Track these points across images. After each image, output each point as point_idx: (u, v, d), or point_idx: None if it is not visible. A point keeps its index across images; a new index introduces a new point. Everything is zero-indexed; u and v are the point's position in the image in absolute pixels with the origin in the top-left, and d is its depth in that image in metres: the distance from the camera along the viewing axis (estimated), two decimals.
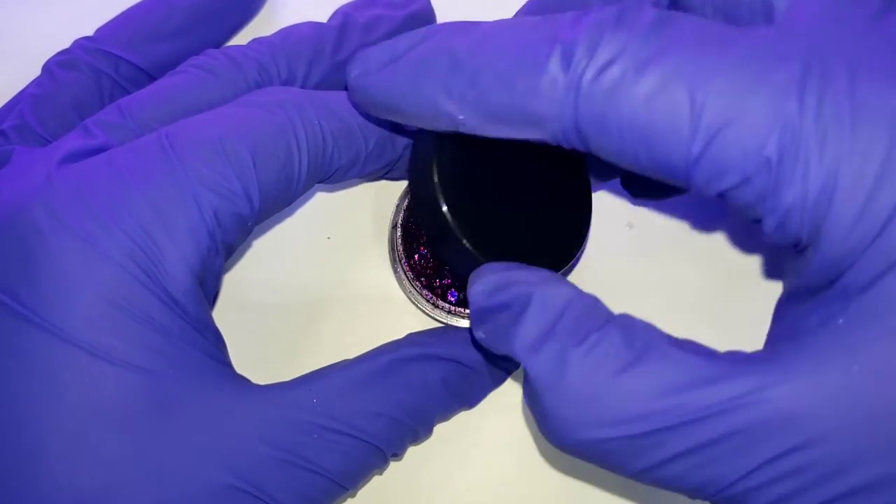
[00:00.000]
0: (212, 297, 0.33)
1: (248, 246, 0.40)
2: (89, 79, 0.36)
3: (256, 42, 0.36)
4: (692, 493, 0.26)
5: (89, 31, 0.38)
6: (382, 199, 0.41)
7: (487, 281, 0.29)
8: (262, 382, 0.32)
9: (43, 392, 0.28)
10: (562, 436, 0.27)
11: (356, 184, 0.41)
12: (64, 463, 0.28)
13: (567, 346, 0.26)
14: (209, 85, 0.34)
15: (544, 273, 0.30)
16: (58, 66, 0.36)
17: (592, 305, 0.28)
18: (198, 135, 0.30)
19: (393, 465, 0.36)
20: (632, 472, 0.26)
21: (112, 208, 0.28)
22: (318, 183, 0.34)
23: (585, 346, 0.26)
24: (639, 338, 0.26)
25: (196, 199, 0.29)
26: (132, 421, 0.28)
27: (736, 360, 0.26)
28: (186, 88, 0.33)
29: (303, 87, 0.35)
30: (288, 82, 0.35)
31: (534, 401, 0.27)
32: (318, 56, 0.36)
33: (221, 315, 0.39)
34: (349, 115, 0.33)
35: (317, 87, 0.36)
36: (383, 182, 0.41)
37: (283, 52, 0.35)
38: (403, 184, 0.39)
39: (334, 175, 0.34)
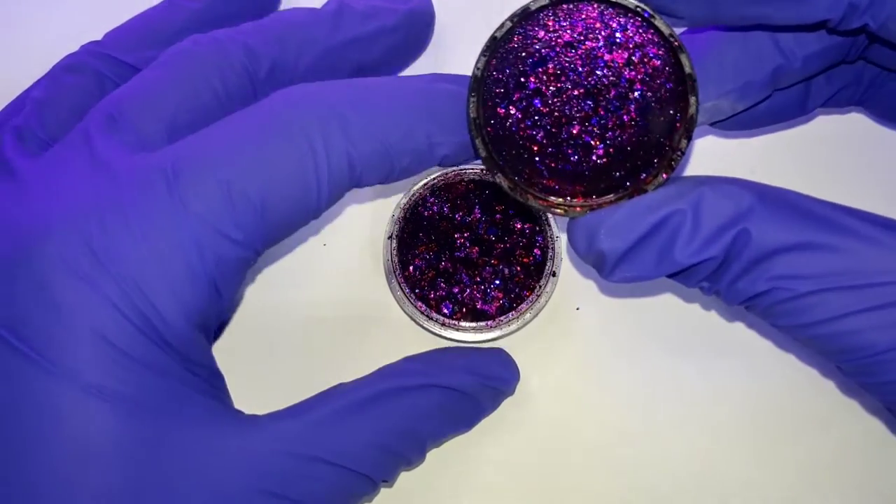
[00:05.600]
0: (213, 333, 0.32)
1: None
2: (93, 83, 0.35)
3: (245, 24, 0.34)
4: (842, 354, 0.29)
5: (98, 33, 0.37)
6: (378, 208, 0.40)
7: (616, 221, 0.29)
8: (253, 392, 0.32)
9: (35, 427, 0.27)
10: (745, 292, 0.29)
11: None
12: (53, 499, 0.27)
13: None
14: (194, 75, 0.32)
15: (669, 187, 0.30)
16: (64, 69, 0.35)
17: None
18: (205, 171, 0.28)
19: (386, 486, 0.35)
20: (795, 325, 0.29)
21: (113, 250, 0.28)
22: None
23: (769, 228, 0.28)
24: (806, 203, 0.29)
25: (198, 246, 0.28)
26: (122, 458, 0.28)
27: None
28: (172, 82, 0.32)
29: (293, 71, 0.34)
30: (277, 66, 0.34)
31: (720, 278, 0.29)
32: (311, 40, 0.34)
33: None
34: (384, 133, 0.30)
35: (307, 72, 0.34)
36: (379, 191, 0.40)
37: (273, 35, 0.34)
38: (399, 195, 0.38)
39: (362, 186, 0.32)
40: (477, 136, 0.30)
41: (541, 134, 0.30)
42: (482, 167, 0.38)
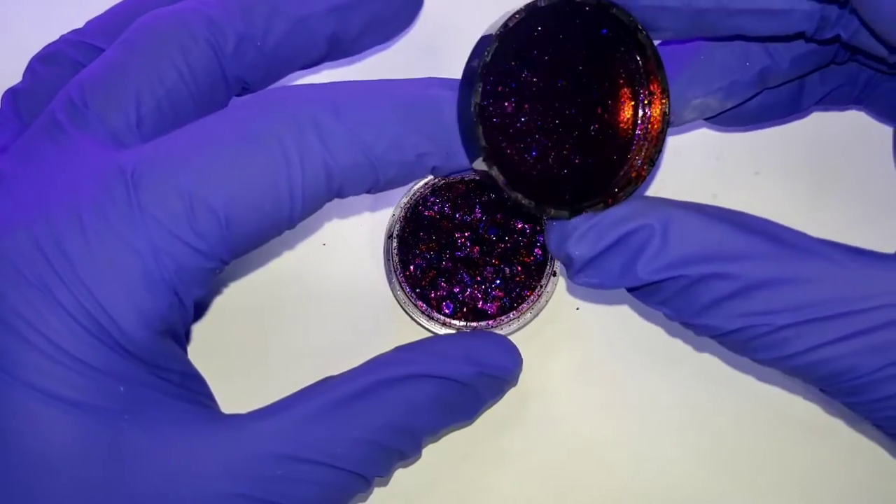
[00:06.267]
0: (184, 336, 0.31)
1: None
2: (69, 72, 0.33)
3: None
4: (825, 380, 0.29)
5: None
6: (379, 208, 0.40)
7: (586, 229, 0.30)
8: (251, 392, 0.32)
9: None
10: (713, 328, 0.29)
11: None
12: None
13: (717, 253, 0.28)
14: (157, 54, 0.30)
15: (639, 203, 0.30)
16: (39, 61, 0.35)
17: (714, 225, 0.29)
18: (166, 179, 0.27)
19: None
20: (770, 359, 0.29)
21: (65, 255, 0.27)
22: None
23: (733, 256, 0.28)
24: (778, 235, 0.29)
25: (154, 254, 0.27)
26: (87, 468, 0.27)
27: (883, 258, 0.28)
28: (134, 63, 0.30)
29: (262, 46, 0.32)
30: (244, 39, 0.31)
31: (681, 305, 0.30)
32: (279, 11, 0.32)
33: (212, 321, 0.39)
34: (367, 144, 0.28)
35: (277, 45, 0.32)
36: None
37: (236, 5, 0.32)
38: (400, 193, 0.38)
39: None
40: (478, 125, 0.28)
41: (530, 134, 0.30)
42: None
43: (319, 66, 0.36)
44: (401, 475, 0.37)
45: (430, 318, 0.37)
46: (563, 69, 0.30)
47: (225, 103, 0.33)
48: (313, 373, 0.33)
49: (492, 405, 0.36)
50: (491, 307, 0.38)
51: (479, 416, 0.35)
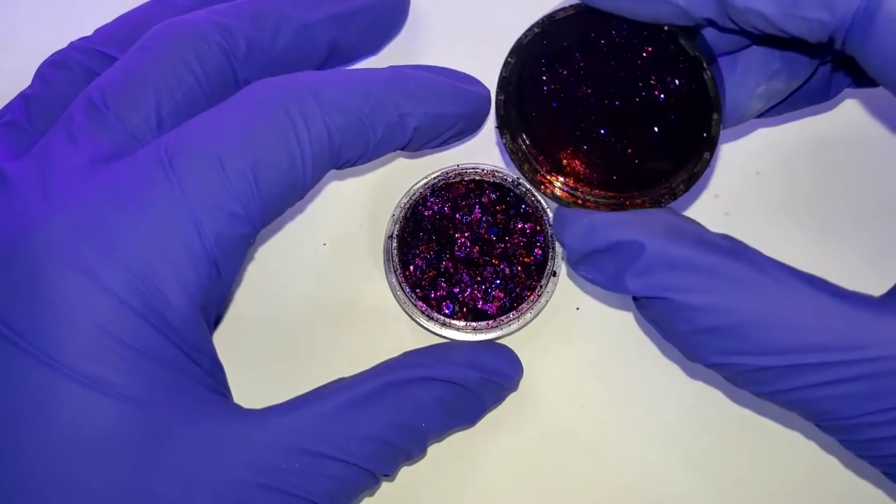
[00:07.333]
0: (214, 319, 0.33)
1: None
2: (80, 79, 0.35)
3: (220, 6, 0.35)
4: (810, 417, 0.30)
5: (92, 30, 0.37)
6: (378, 208, 0.40)
7: (580, 226, 0.31)
8: (254, 391, 0.32)
9: (30, 421, 0.27)
10: (697, 358, 0.30)
11: (362, 172, 0.41)
12: (48, 494, 0.27)
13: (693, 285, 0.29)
14: (174, 59, 0.32)
15: (639, 213, 0.31)
16: (49, 66, 0.35)
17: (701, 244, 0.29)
18: (197, 151, 0.29)
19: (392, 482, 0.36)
20: (756, 392, 0.30)
21: (111, 238, 0.28)
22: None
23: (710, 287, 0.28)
24: (768, 272, 0.29)
25: (196, 225, 0.29)
26: (120, 451, 0.28)
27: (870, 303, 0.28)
28: (152, 68, 0.32)
29: (270, 51, 0.34)
30: (254, 44, 0.34)
31: (668, 329, 0.30)
32: (285, 17, 0.35)
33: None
34: (356, 105, 0.31)
35: (283, 50, 0.35)
36: (380, 191, 0.40)
37: (248, 14, 0.34)
38: (400, 193, 0.38)
39: (343, 165, 0.33)
40: (500, 94, 0.31)
41: (563, 123, 0.32)
42: (482, 167, 0.38)
43: None
44: (399, 473, 0.37)
45: (430, 318, 0.37)
46: (612, 79, 0.31)
47: None
48: (313, 372, 0.33)
49: (492, 409, 0.37)
50: (491, 307, 0.38)
51: (481, 419, 0.36)
